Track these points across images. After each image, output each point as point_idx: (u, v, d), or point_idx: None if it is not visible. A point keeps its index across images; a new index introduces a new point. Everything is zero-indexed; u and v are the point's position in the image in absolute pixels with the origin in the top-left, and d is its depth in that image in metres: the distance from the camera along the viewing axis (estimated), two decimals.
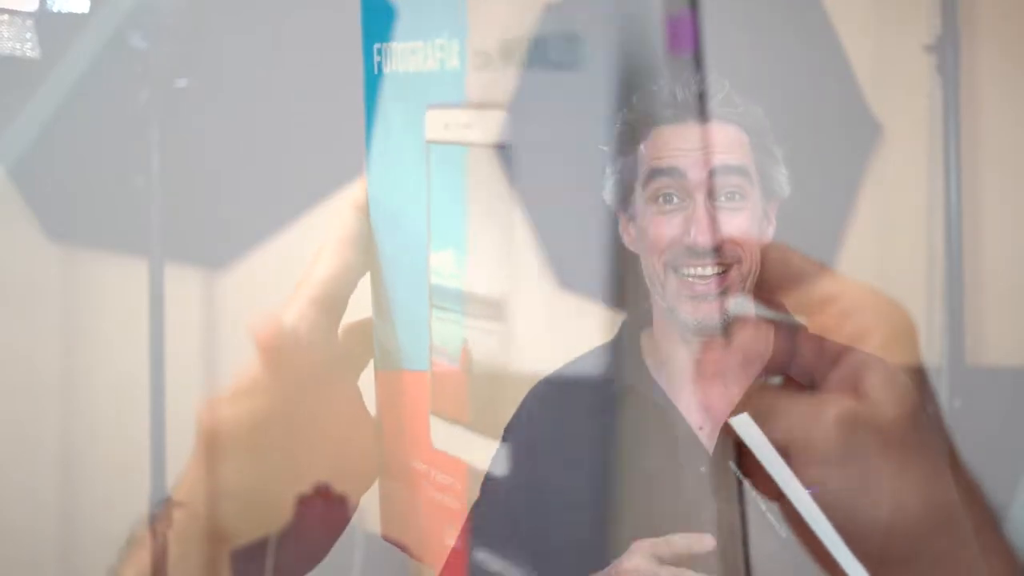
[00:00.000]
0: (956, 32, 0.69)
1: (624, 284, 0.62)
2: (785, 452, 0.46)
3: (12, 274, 0.79)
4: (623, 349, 0.62)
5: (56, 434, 0.58)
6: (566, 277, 0.63)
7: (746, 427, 0.49)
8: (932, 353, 0.55)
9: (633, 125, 0.63)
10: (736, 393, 0.59)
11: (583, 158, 0.64)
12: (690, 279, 0.61)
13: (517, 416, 0.62)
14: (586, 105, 0.64)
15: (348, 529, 0.61)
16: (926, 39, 0.69)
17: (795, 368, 0.50)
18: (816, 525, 0.47)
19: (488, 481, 0.62)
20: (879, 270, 0.58)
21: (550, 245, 0.63)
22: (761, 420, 0.47)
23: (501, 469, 0.61)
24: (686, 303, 0.60)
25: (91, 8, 0.79)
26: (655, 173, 0.61)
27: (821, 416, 0.47)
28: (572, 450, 0.61)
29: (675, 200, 0.61)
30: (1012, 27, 0.73)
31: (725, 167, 0.59)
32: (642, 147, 0.62)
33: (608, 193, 0.62)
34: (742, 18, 0.82)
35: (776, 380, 0.51)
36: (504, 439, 0.62)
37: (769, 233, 0.59)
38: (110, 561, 0.59)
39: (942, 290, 0.56)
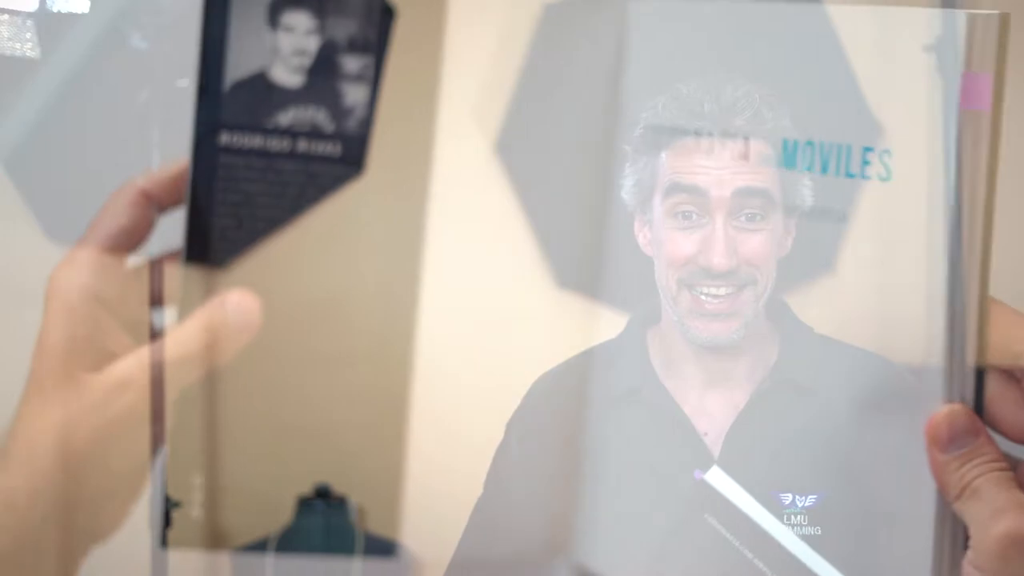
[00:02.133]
0: (956, 32, 0.68)
1: (631, 282, 0.62)
2: None
3: (12, 274, 0.79)
4: (629, 348, 0.61)
5: None
6: (567, 274, 0.63)
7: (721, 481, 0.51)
8: (932, 353, 0.55)
9: (656, 130, 0.62)
10: (739, 399, 0.59)
11: (590, 154, 0.64)
12: (703, 297, 0.60)
13: (520, 409, 0.62)
14: (596, 101, 0.64)
15: (347, 530, 0.61)
16: (926, 39, 0.68)
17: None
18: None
19: (491, 476, 0.62)
20: (879, 270, 0.58)
21: (553, 242, 0.63)
22: (967, 496, 0.50)
23: (504, 463, 0.61)
24: (697, 320, 0.60)
25: (91, 7, 0.79)
26: (675, 188, 0.60)
27: (992, 524, 0.47)
28: (573, 446, 0.61)
29: (694, 217, 0.60)
30: (1012, 27, 0.73)
31: (748, 189, 0.59)
32: (663, 155, 0.61)
33: (627, 193, 0.62)
34: (741, 17, 0.82)
35: None
36: (507, 432, 0.62)
37: (787, 245, 0.59)
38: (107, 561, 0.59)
39: (942, 290, 0.56)
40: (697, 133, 0.60)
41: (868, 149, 0.56)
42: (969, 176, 0.53)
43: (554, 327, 0.62)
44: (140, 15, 0.78)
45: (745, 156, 0.59)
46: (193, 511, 0.59)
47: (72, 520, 0.54)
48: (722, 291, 0.59)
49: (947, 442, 0.51)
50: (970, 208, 0.54)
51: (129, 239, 0.57)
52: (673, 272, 0.60)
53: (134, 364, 0.55)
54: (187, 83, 0.62)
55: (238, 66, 0.58)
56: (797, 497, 0.57)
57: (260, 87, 0.58)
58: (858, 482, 0.56)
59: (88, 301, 0.55)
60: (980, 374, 0.51)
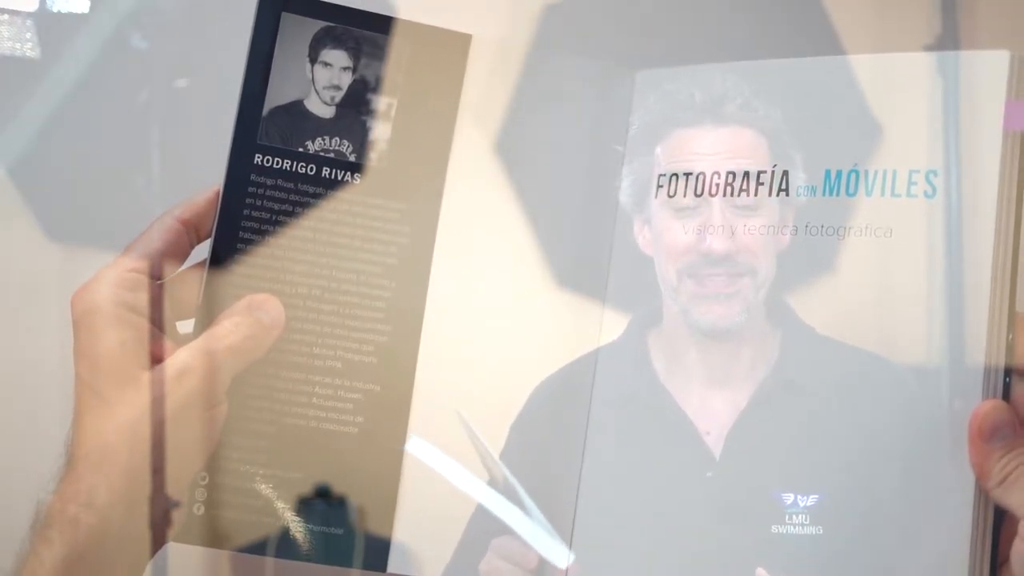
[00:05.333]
0: (956, 32, 0.69)
1: (632, 283, 0.62)
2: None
3: (12, 274, 0.79)
4: (629, 351, 0.61)
5: (56, 434, 0.58)
6: (568, 276, 0.63)
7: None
8: (932, 353, 0.55)
9: (650, 126, 0.62)
10: (741, 398, 0.59)
11: (588, 157, 0.64)
12: (705, 280, 0.60)
13: (523, 413, 0.62)
14: (594, 101, 0.64)
15: (347, 530, 0.61)
16: (926, 39, 0.69)
17: None
18: None
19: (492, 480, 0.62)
20: (879, 269, 0.58)
21: (553, 244, 0.63)
22: (1009, 484, 0.53)
23: (507, 465, 0.61)
24: (699, 304, 0.60)
25: (91, 8, 0.79)
26: (671, 177, 0.60)
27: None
28: (573, 451, 0.61)
29: (691, 205, 0.60)
30: (1012, 27, 0.73)
31: (743, 173, 0.59)
32: (658, 149, 0.62)
33: (623, 194, 0.62)
34: (742, 17, 0.82)
35: None
36: (510, 436, 0.62)
37: (786, 240, 0.59)
38: None
39: (942, 290, 0.56)
40: (689, 123, 0.61)
41: (915, 171, 0.57)
42: (1006, 192, 0.56)
43: (555, 330, 0.62)
44: (140, 15, 0.78)
45: (738, 141, 0.59)
46: (194, 509, 0.59)
47: (148, 513, 0.56)
48: (722, 276, 0.59)
49: (990, 433, 0.54)
50: (1005, 223, 0.56)
51: (160, 263, 0.60)
52: (672, 263, 0.60)
53: (189, 354, 0.58)
54: (186, 83, 0.63)
55: (277, 93, 0.62)
56: (799, 497, 0.57)
57: (296, 114, 0.62)
58: (859, 481, 0.56)
59: (127, 310, 0.58)
60: (1008, 377, 0.55)
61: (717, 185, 0.59)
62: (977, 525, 0.54)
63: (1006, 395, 0.55)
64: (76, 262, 0.78)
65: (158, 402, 0.56)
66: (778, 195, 0.59)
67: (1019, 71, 0.56)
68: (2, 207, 0.78)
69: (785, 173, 0.59)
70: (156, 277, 0.60)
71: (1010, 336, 0.55)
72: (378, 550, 0.60)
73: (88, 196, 0.79)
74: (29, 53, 0.78)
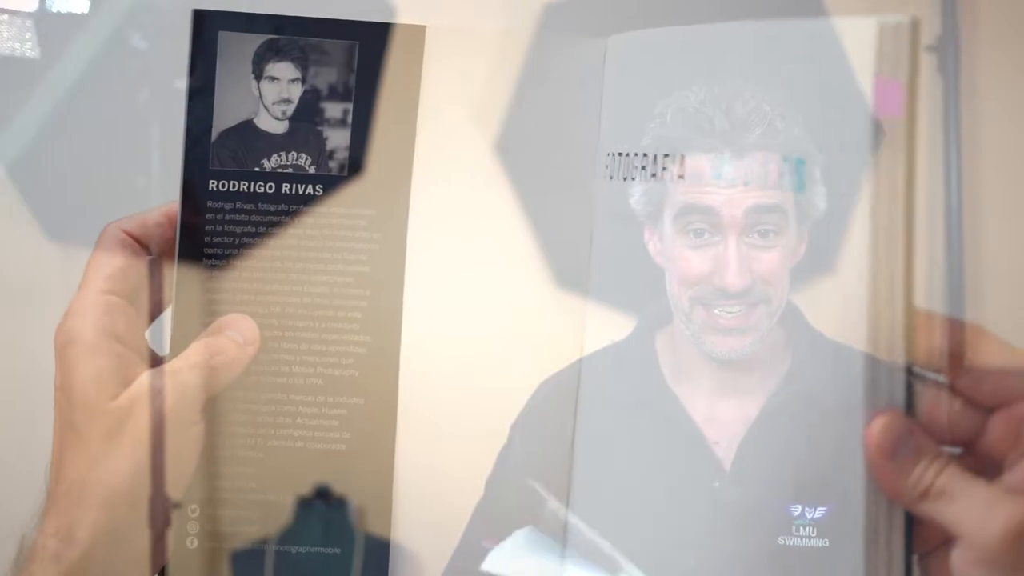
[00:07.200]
0: (956, 32, 0.68)
1: (639, 285, 0.61)
2: (951, 540, 0.49)
3: (12, 274, 0.79)
4: (637, 351, 0.60)
5: None
6: (571, 277, 0.62)
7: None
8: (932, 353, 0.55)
9: (664, 141, 0.60)
10: (751, 408, 0.59)
11: (563, 145, 0.63)
12: (717, 313, 0.59)
13: (525, 412, 0.62)
14: (566, 81, 0.63)
15: (347, 530, 0.61)
16: (926, 39, 0.68)
17: (982, 445, 0.50)
18: None
19: (493, 477, 0.61)
20: (879, 270, 0.57)
21: (531, 239, 0.63)
22: (933, 498, 0.50)
23: (506, 466, 0.61)
24: (712, 335, 0.59)
25: (91, 8, 0.79)
26: (686, 208, 0.59)
27: (992, 517, 0.48)
28: (569, 457, 0.61)
29: (706, 235, 0.59)
30: (1012, 27, 0.73)
31: (760, 207, 0.57)
32: (673, 168, 0.60)
33: (636, 203, 0.61)
34: (741, 16, 0.82)
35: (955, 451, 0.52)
36: (511, 436, 0.62)
37: (800, 252, 0.57)
38: None
39: (942, 290, 0.56)
40: (708, 150, 0.58)
41: (786, 159, 0.55)
42: (887, 183, 0.53)
43: (557, 330, 0.62)
44: (140, 15, 0.78)
45: (756, 167, 0.57)
46: (187, 543, 0.59)
47: (135, 545, 0.55)
48: (736, 309, 0.58)
49: (892, 448, 0.51)
50: (888, 215, 0.54)
51: (126, 279, 0.59)
52: (685, 290, 0.59)
53: (156, 377, 0.57)
54: (185, 84, 0.63)
55: (225, 115, 0.61)
56: (807, 509, 0.56)
57: (247, 134, 0.61)
58: (868, 492, 0.55)
59: (106, 338, 0.57)
60: (908, 379, 0.52)
61: (734, 219, 0.58)
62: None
63: (909, 401, 0.52)
64: (76, 262, 0.78)
65: (130, 430, 0.55)
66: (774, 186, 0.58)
67: (892, 43, 0.51)
68: (2, 207, 0.78)
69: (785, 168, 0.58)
70: (126, 295, 0.60)
71: (907, 335, 0.53)
72: (377, 567, 0.60)
73: (88, 196, 0.79)
74: (29, 53, 0.78)
